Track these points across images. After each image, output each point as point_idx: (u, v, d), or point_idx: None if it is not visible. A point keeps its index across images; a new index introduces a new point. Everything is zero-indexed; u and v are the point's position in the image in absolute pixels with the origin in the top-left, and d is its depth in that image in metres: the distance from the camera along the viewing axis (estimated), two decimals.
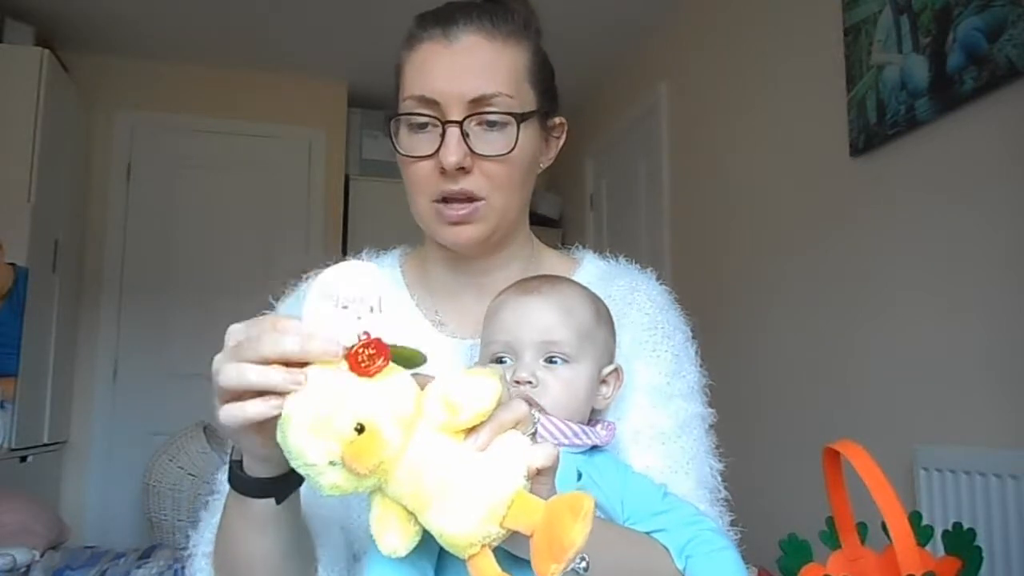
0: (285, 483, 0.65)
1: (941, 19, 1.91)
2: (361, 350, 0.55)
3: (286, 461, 0.61)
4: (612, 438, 0.80)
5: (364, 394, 0.54)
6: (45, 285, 3.25)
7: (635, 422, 0.85)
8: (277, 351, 0.55)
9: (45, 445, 3.32)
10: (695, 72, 3.20)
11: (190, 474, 3.17)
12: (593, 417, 0.82)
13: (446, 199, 0.84)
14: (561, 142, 0.96)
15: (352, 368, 0.55)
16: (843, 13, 2.26)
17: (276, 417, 0.55)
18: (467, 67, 0.83)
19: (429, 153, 0.83)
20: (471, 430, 0.56)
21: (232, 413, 0.56)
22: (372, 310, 0.56)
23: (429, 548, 0.59)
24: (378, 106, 4.22)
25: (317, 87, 4.16)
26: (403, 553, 0.56)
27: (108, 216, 3.86)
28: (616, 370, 0.82)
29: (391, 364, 0.56)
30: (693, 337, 0.94)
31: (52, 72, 3.23)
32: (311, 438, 0.53)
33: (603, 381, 0.81)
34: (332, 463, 0.53)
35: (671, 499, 0.77)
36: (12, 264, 2.98)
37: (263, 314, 0.89)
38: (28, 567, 2.13)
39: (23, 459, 3.10)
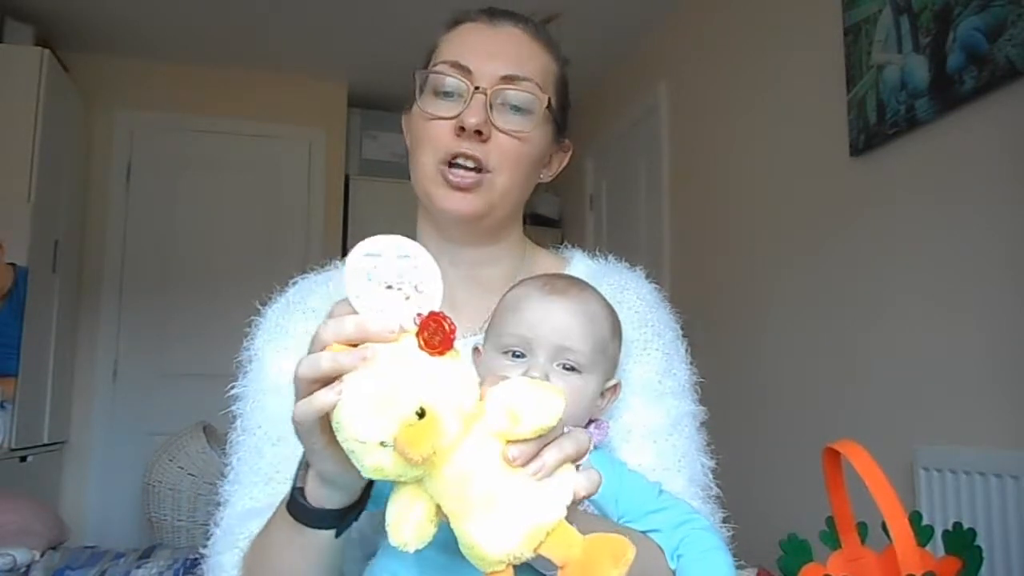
0: (346, 515, 0.65)
1: (941, 19, 1.91)
2: (430, 325, 0.54)
3: (351, 489, 0.62)
4: (605, 437, 0.80)
5: (431, 377, 0.53)
6: (45, 285, 3.25)
7: (626, 420, 0.85)
8: (337, 335, 0.56)
9: (45, 445, 3.32)
10: (695, 72, 3.20)
11: (190, 474, 3.17)
12: None
13: (453, 164, 0.85)
14: (564, 164, 0.97)
15: (424, 346, 0.54)
16: (843, 13, 2.26)
17: None
18: (505, 49, 0.87)
19: (450, 115, 0.85)
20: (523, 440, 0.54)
21: (302, 408, 0.57)
22: (417, 289, 0.56)
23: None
24: (378, 106, 4.22)
25: (317, 87, 4.16)
26: (412, 550, 0.55)
27: (108, 216, 3.86)
28: (616, 385, 0.82)
29: (454, 349, 0.55)
30: (684, 335, 0.94)
31: (52, 72, 3.23)
32: (369, 413, 0.52)
33: (601, 393, 0.81)
34: (383, 444, 0.52)
35: (665, 497, 0.77)
36: (12, 264, 2.98)
37: (252, 319, 0.92)
38: (28, 567, 2.13)
39: (23, 459, 3.10)
